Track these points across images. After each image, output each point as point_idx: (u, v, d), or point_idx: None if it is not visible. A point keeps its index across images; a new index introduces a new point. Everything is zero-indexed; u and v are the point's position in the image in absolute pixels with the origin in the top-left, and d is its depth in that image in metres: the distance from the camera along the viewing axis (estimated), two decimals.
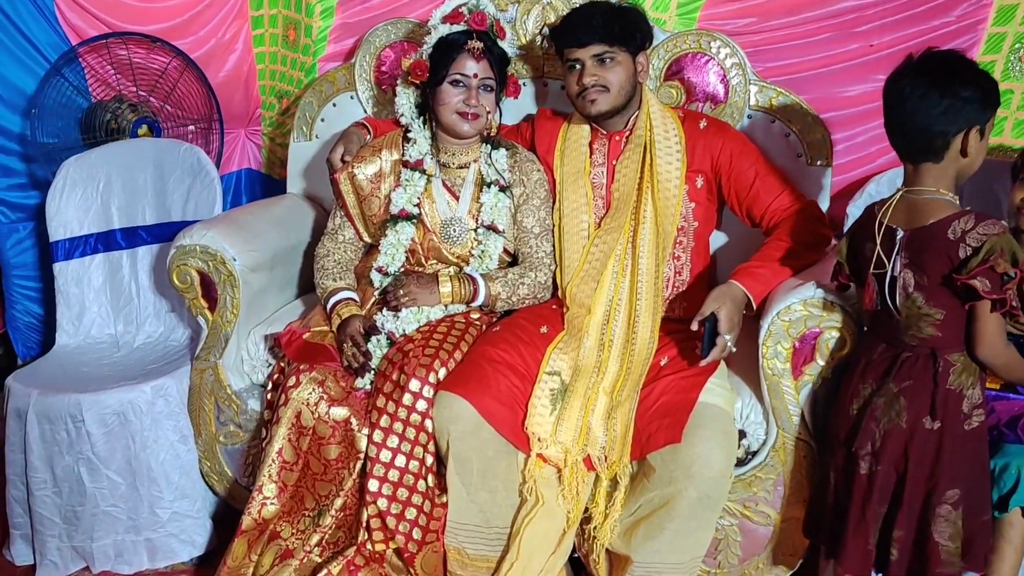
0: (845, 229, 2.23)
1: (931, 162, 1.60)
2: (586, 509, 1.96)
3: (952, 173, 1.62)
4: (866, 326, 1.80)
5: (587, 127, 2.24)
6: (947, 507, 1.62)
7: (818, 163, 2.29)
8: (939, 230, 1.57)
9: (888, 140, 1.68)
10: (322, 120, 2.68)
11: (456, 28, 2.15)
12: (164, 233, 2.62)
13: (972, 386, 1.63)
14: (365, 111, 2.62)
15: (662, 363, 2.02)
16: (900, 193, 1.65)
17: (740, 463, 1.99)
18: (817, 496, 1.86)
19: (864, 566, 1.70)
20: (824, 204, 2.28)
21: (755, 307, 1.96)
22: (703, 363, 1.91)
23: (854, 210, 2.23)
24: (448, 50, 2.14)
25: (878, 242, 1.64)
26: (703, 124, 2.19)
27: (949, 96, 1.55)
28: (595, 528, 1.95)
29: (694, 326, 1.92)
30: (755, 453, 2.00)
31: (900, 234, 1.62)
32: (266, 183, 3.21)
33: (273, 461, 2.02)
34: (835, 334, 1.86)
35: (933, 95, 1.56)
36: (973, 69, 1.62)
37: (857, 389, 1.71)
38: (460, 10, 2.18)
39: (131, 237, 2.63)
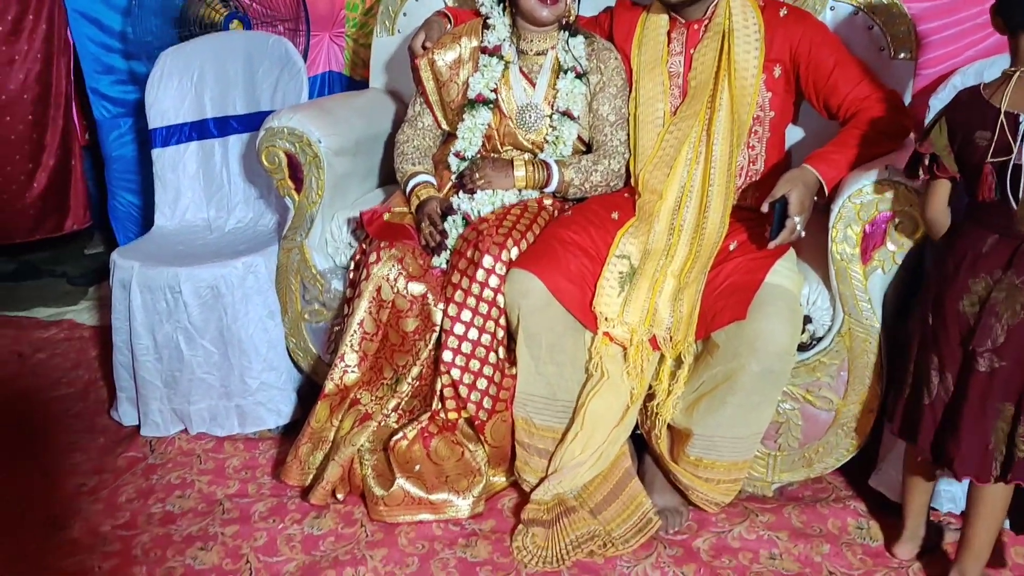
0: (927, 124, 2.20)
1: None
2: (649, 387, 2.03)
3: None
4: (965, 218, 1.68)
5: (665, 16, 2.23)
6: None
7: (901, 56, 2.25)
8: None
9: (1001, 11, 1.58)
10: (404, 14, 2.73)
11: None
12: (253, 122, 2.73)
13: None
14: (446, 2, 2.65)
15: (731, 247, 2.04)
16: (1017, 73, 1.55)
17: (804, 348, 2.02)
18: (912, 394, 1.77)
19: (984, 468, 1.64)
20: (907, 99, 2.23)
21: (827, 192, 1.96)
22: (771, 245, 1.93)
23: (936, 103, 2.17)
24: None
25: (997, 128, 1.54)
26: (783, 12, 2.16)
27: None
28: (658, 404, 2.01)
29: (764, 208, 1.93)
30: (820, 339, 2.02)
31: None
32: (349, 84, 3.30)
33: (355, 332, 2.13)
34: (906, 218, 1.86)
35: None
36: None
37: (966, 285, 1.62)
38: None
39: (223, 126, 2.76)
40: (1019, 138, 1.53)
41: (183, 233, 2.69)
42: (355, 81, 3.27)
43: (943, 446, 1.69)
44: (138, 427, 2.48)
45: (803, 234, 1.94)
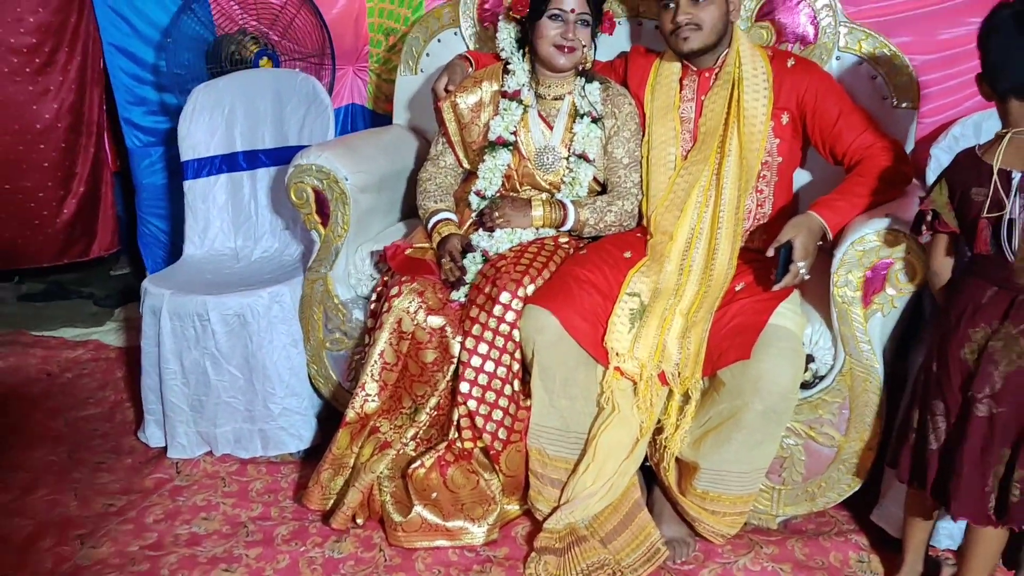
0: (928, 172, 2.29)
1: None
2: (658, 421, 2.11)
3: None
4: (966, 271, 1.77)
5: (678, 64, 2.34)
6: None
7: (904, 105, 2.34)
8: None
9: (986, 79, 1.68)
10: (427, 55, 2.84)
11: None
12: (281, 157, 2.85)
13: None
14: (467, 46, 2.77)
15: (737, 288, 2.13)
16: (1009, 134, 1.65)
17: (807, 386, 2.10)
18: (919, 440, 1.83)
19: (981, 509, 1.70)
20: (909, 147, 2.32)
21: (831, 238, 2.05)
22: (776, 288, 2.02)
23: (937, 152, 2.27)
24: None
25: (992, 186, 1.64)
26: (791, 63, 2.26)
27: None
28: (667, 438, 2.09)
29: (770, 252, 2.03)
30: (823, 378, 2.10)
31: (1017, 176, 1.62)
32: (372, 117, 3.41)
33: (375, 362, 2.22)
34: (906, 265, 1.95)
35: None
36: None
37: (967, 334, 1.70)
38: None
39: (251, 159, 2.88)
40: (1012, 193, 1.63)
41: (211, 261, 2.80)
42: (377, 114, 3.38)
43: (943, 487, 1.76)
44: (165, 448, 2.58)
45: (807, 277, 2.03)
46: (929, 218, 1.76)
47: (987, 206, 1.65)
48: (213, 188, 2.85)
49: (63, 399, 2.95)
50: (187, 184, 2.82)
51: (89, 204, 3.42)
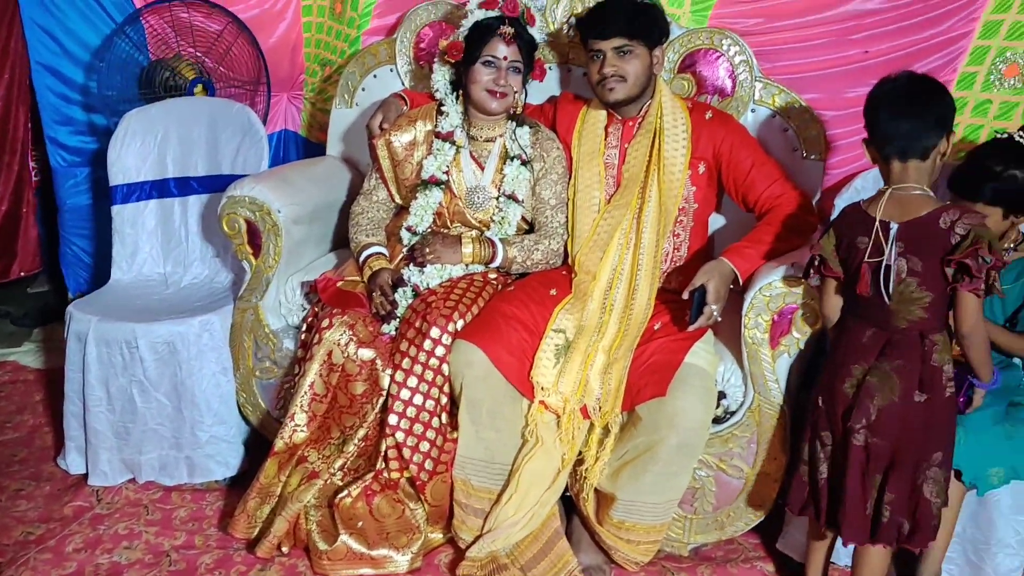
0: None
1: (918, 159, 1.82)
2: (579, 452, 2.20)
3: (930, 172, 1.84)
4: (849, 312, 1.94)
5: (604, 112, 2.46)
6: (934, 469, 1.83)
7: (812, 157, 2.51)
8: (931, 221, 1.78)
9: (872, 144, 1.88)
10: (363, 89, 2.91)
11: (491, 14, 2.36)
12: (214, 184, 2.87)
13: (948, 362, 1.84)
14: (403, 83, 2.84)
15: (656, 327, 2.25)
16: (889, 191, 1.84)
17: (719, 421, 2.22)
18: (793, 465, 2.03)
19: (863, 532, 1.87)
20: (815, 196, 2.49)
21: (741, 283, 2.19)
22: (691, 329, 2.15)
23: (840, 202, 2.43)
24: (482, 33, 2.35)
25: (872, 235, 1.82)
26: (708, 115, 2.40)
27: (940, 104, 1.83)
28: (586, 469, 2.19)
29: (685, 295, 2.15)
30: (733, 413, 2.23)
31: (894, 227, 1.80)
32: (304, 145, 3.45)
33: (305, 393, 2.26)
34: (809, 310, 2.10)
35: (927, 97, 1.83)
36: (943, 87, 1.88)
37: (849, 370, 1.87)
38: None
39: (183, 186, 2.88)
40: (890, 242, 1.81)
41: (139, 287, 2.79)
42: (310, 142, 3.42)
43: (832, 513, 1.92)
44: (85, 476, 2.55)
45: (719, 319, 2.17)
46: (817, 263, 1.93)
47: (868, 252, 1.83)
48: (143, 213, 2.84)
49: None
50: (115, 209, 2.81)
51: (10, 223, 3.36)
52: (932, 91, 1.85)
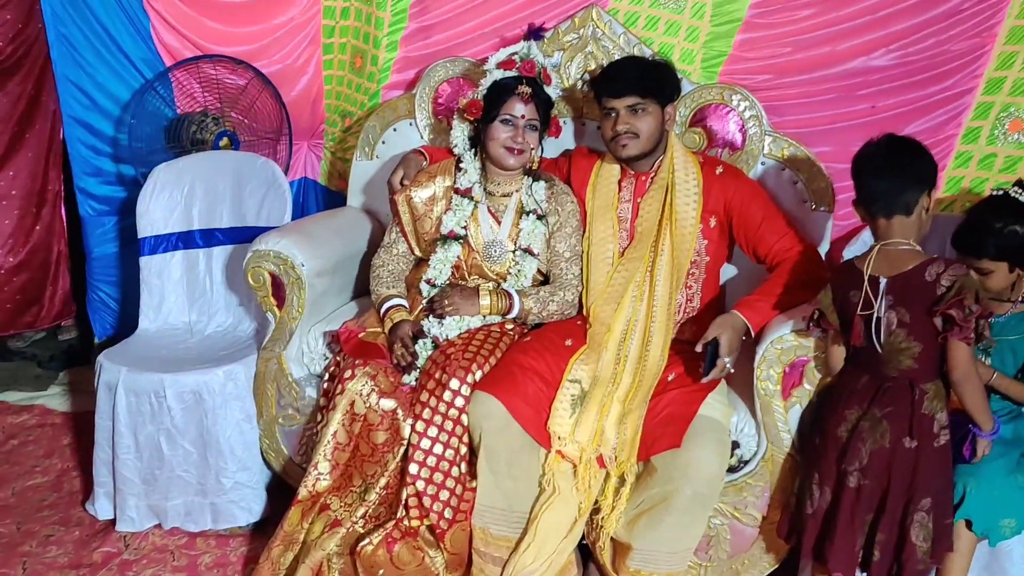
0: None
1: (903, 215, 1.93)
2: (596, 501, 2.25)
3: (917, 228, 1.94)
4: (848, 361, 2.06)
5: (617, 167, 2.53)
6: (922, 514, 1.92)
7: (821, 209, 2.56)
8: (917, 274, 1.88)
9: (860, 204, 2.00)
10: (383, 143, 2.99)
11: (508, 74, 2.45)
12: (238, 236, 2.95)
13: (940, 410, 1.94)
14: (422, 137, 2.93)
15: (669, 378, 2.30)
16: (878, 247, 1.95)
17: (733, 470, 2.27)
18: (797, 504, 2.11)
19: (851, 566, 1.98)
20: (825, 246, 2.55)
21: (753, 335, 2.24)
22: (704, 380, 2.20)
23: (849, 253, 2.50)
24: (500, 92, 2.44)
25: (864, 289, 1.92)
26: (719, 170, 2.47)
27: (916, 160, 1.95)
28: (603, 518, 2.23)
29: (698, 348, 2.21)
30: (747, 462, 2.28)
31: (884, 281, 1.91)
32: (324, 193, 3.54)
33: (328, 442, 2.32)
34: (820, 363, 2.14)
35: (907, 157, 1.95)
36: (922, 146, 1.99)
37: (844, 415, 1.99)
38: (513, 58, 2.48)
39: (208, 237, 2.97)
40: (880, 296, 1.91)
41: (165, 336, 2.87)
42: (330, 191, 3.52)
43: (822, 548, 2.01)
44: (113, 521, 2.62)
45: (732, 371, 2.22)
46: (815, 316, 2.03)
47: (860, 305, 1.93)
48: (169, 264, 2.92)
49: (9, 467, 2.97)
50: (143, 260, 2.89)
51: (42, 273, 3.44)
52: (911, 151, 1.97)
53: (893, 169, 1.93)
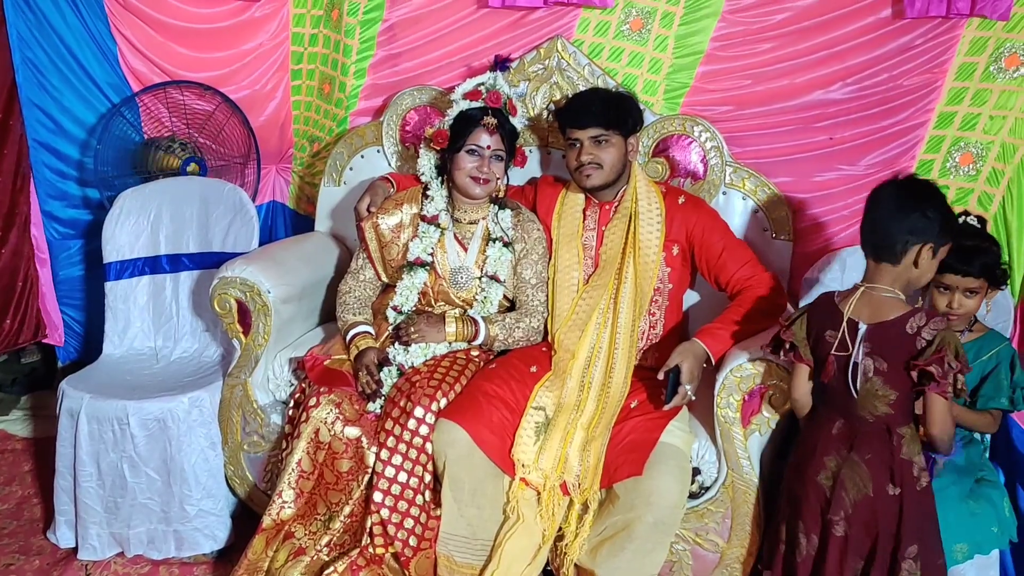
0: (801, 298, 2.57)
1: (890, 263, 1.88)
2: (559, 528, 2.27)
3: (905, 278, 1.89)
4: (819, 399, 2.02)
5: (582, 195, 2.57)
6: (909, 561, 1.88)
7: (781, 238, 2.62)
8: (898, 325, 1.85)
9: (861, 237, 1.95)
10: (350, 169, 3.02)
11: (475, 104, 2.49)
12: (205, 261, 2.95)
13: (918, 453, 1.91)
14: (389, 164, 2.95)
15: (632, 405, 2.33)
16: (862, 289, 1.91)
17: (694, 496, 2.30)
18: (772, 544, 2.10)
19: None
20: (784, 275, 2.61)
21: (714, 363, 2.28)
22: (666, 408, 2.24)
23: (808, 280, 2.56)
24: (466, 123, 2.47)
25: (841, 331, 1.90)
26: (681, 200, 2.52)
27: (918, 211, 1.86)
28: (566, 545, 2.25)
29: (660, 376, 2.24)
30: (708, 488, 2.31)
31: (863, 327, 1.88)
32: (292, 216, 3.55)
33: (292, 470, 2.33)
34: (778, 391, 2.18)
35: (907, 205, 1.87)
36: (942, 200, 1.90)
37: (823, 462, 1.95)
38: (479, 88, 2.52)
39: (175, 263, 2.96)
40: (857, 341, 1.89)
41: (130, 361, 2.85)
42: (298, 214, 3.52)
43: None
44: (75, 549, 2.59)
45: (694, 398, 2.25)
46: (787, 347, 2.01)
47: (836, 347, 1.92)
48: (135, 289, 2.91)
49: None
50: (109, 285, 2.88)
51: (7, 296, 3.40)
52: (919, 201, 1.87)
53: (892, 213, 1.87)
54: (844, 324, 1.90)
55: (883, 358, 1.86)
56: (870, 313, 1.89)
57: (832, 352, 1.92)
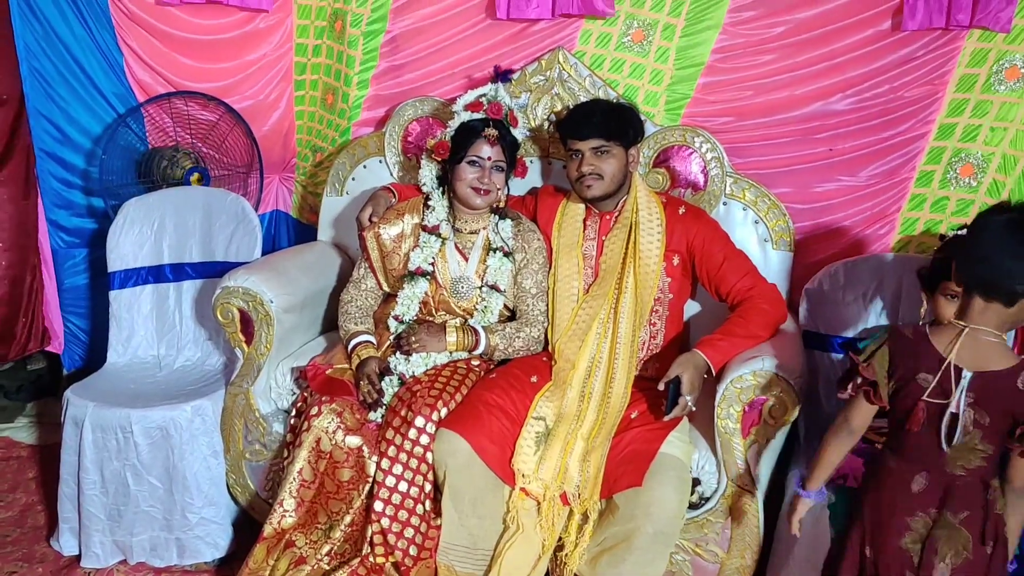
0: (801, 310, 2.58)
1: (1002, 304, 1.65)
2: (559, 538, 2.27)
3: (1012, 320, 1.68)
4: (891, 448, 1.78)
5: (583, 206, 2.58)
6: None
7: (782, 248, 2.63)
8: (1010, 377, 1.64)
9: (961, 270, 1.70)
10: (353, 179, 3.03)
11: (476, 116, 2.51)
12: (208, 270, 2.97)
13: (1003, 507, 1.73)
14: (391, 174, 2.97)
15: (632, 416, 2.34)
16: (967, 329, 1.67)
17: (694, 507, 2.30)
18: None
19: None
20: (785, 285, 2.61)
21: (715, 374, 2.29)
22: (666, 419, 2.24)
23: (808, 290, 2.57)
24: (468, 134, 2.49)
25: (938, 376, 1.67)
26: (682, 210, 2.53)
27: None
28: (566, 555, 2.25)
29: (660, 387, 2.25)
30: (708, 499, 2.31)
31: (967, 375, 1.65)
32: (295, 226, 3.57)
33: (294, 479, 2.34)
34: (778, 402, 2.18)
35: None
36: None
37: (905, 523, 1.72)
38: (480, 100, 2.54)
39: (178, 272, 2.98)
40: (959, 391, 1.66)
41: (134, 370, 2.87)
42: (301, 223, 3.54)
43: None
44: (78, 557, 2.60)
45: (694, 408, 2.26)
46: (860, 381, 1.76)
47: (931, 392, 1.68)
48: (139, 298, 2.93)
49: None
50: (113, 294, 2.90)
51: (15, 304, 3.42)
52: None
53: (1014, 249, 1.62)
54: (948, 368, 1.66)
55: (985, 410, 1.66)
56: (972, 358, 1.67)
57: (924, 398, 1.69)
